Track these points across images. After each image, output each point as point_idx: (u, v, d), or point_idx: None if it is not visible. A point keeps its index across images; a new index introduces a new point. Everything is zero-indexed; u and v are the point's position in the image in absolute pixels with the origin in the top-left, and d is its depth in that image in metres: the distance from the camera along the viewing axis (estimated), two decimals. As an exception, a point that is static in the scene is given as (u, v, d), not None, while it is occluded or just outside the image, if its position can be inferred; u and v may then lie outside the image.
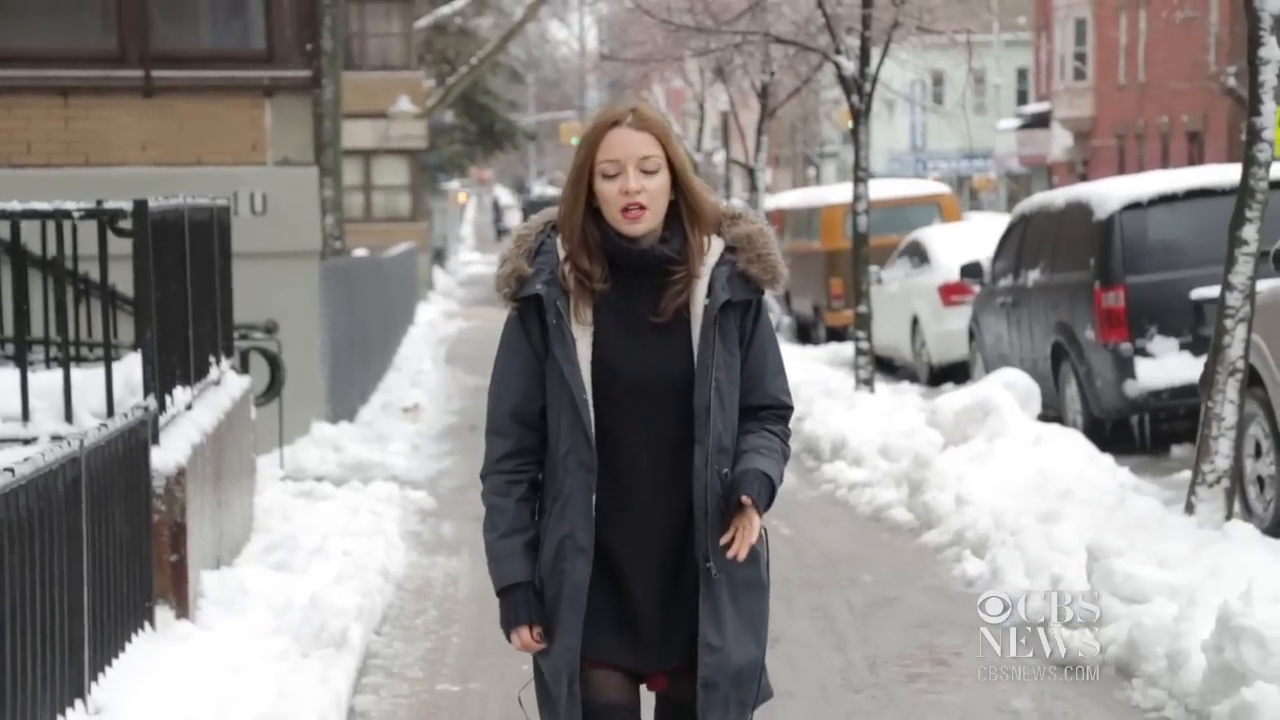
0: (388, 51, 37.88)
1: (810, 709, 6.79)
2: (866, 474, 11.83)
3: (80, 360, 8.75)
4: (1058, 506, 9.36)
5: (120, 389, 7.54)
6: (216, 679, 6.36)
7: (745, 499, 3.86)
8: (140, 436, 6.82)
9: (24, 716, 5.14)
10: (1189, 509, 8.79)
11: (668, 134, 3.93)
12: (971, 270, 15.93)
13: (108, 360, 7.53)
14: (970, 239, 18.97)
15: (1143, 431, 13.25)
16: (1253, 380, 9.54)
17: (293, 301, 12.75)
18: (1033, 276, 14.43)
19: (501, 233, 75.33)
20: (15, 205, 7.41)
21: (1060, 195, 15.02)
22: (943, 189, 27.00)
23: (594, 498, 3.89)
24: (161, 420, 7.39)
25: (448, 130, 42.91)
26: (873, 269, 17.84)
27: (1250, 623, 6.19)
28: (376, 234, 33.46)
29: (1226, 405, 8.71)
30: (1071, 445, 11.19)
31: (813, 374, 17.21)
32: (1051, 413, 13.35)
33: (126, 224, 7.34)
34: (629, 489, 3.91)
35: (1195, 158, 39.87)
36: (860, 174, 15.33)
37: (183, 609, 7.14)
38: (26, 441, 7.23)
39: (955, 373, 17.76)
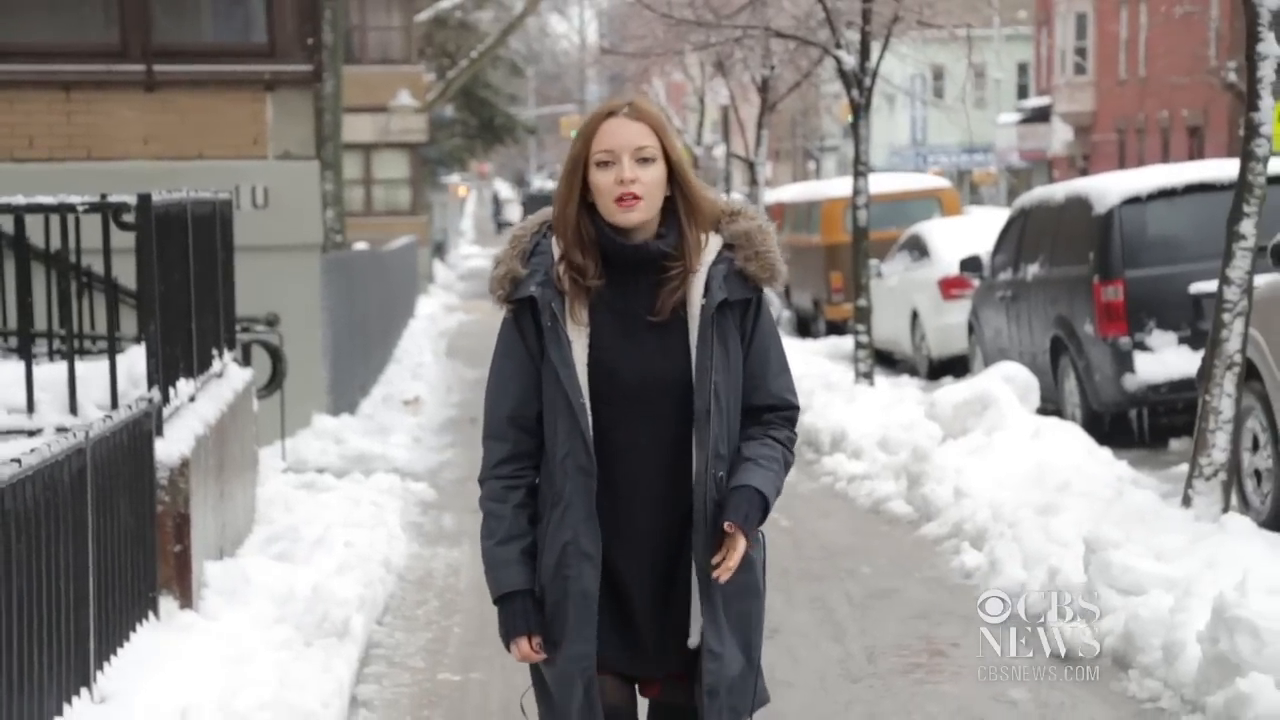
0: (388, 45, 37.91)
1: (809, 699, 6.84)
2: (866, 466, 11.88)
3: (84, 353, 8.81)
4: (1056, 499, 9.40)
5: (124, 381, 7.59)
6: (220, 668, 6.41)
7: (729, 527, 3.77)
8: (144, 428, 6.87)
9: (31, 704, 5.19)
10: (1186, 502, 8.84)
11: (664, 127, 3.86)
12: (971, 264, 15.97)
13: (111, 353, 7.58)
14: (970, 233, 19.00)
15: (1141, 425, 13.29)
16: (1250, 374, 9.58)
17: (294, 295, 12.82)
18: (1032, 271, 14.47)
19: (501, 226, 75.38)
20: (20, 199, 7.45)
21: (1059, 190, 15.06)
22: (943, 183, 27.06)
23: (594, 502, 3.80)
24: (165, 412, 7.43)
25: (448, 124, 42.94)
26: (873, 263, 17.89)
27: (1245, 614, 6.24)
28: (377, 227, 33.51)
29: (1224, 399, 8.76)
30: (1070, 438, 11.24)
31: (812, 367, 17.23)
32: (1050, 406, 13.40)
33: (130, 218, 7.38)
34: (627, 493, 3.83)
35: (1196, 152, 39.89)
36: (860, 168, 15.37)
37: (186, 599, 7.19)
38: (32, 433, 7.27)
39: (955, 366, 17.80)
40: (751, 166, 23.97)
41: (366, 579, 8.11)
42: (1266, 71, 8.55)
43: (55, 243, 7.91)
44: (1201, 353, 9.16)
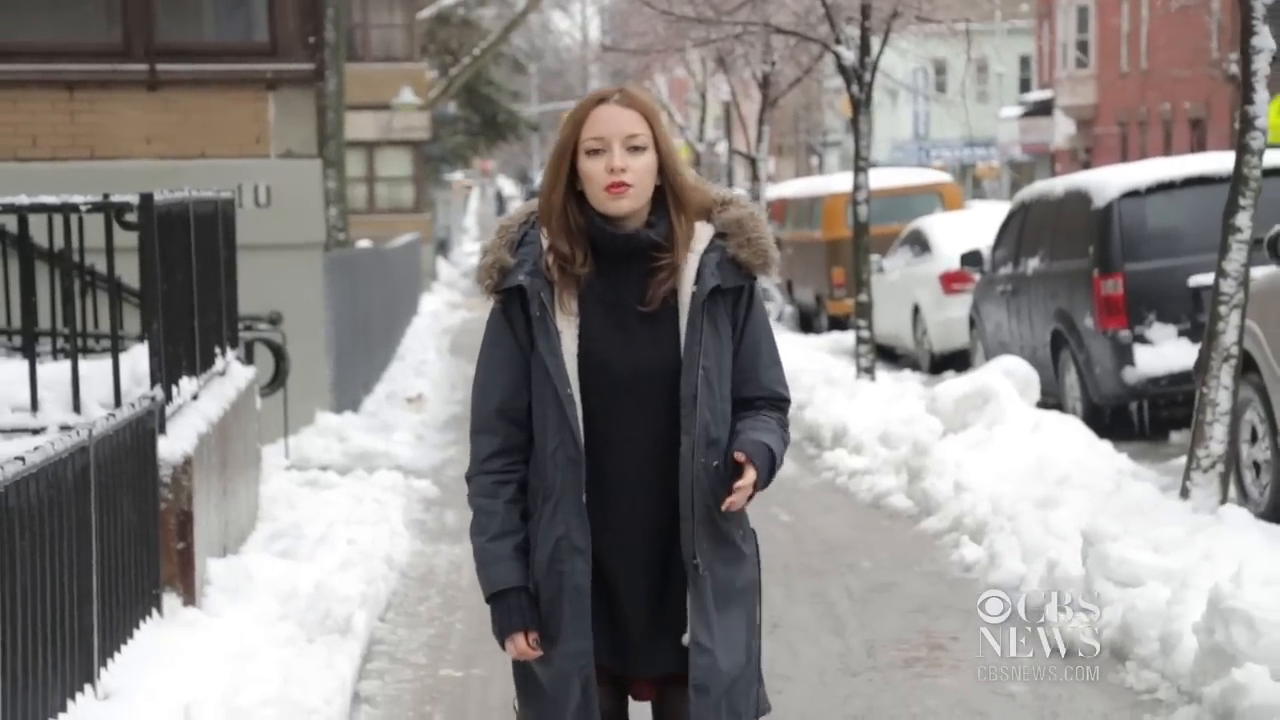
0: (390, 43, 37.97)
1: (808, 693, 6.89)
2: (866, 461, 11.92)
3: (87, 352, 8.86)
4: (1055, 492, 9.45)
5: (127, 380, 7.63)
6: (223, 664, 6.46)
7: (739, 455, 3.69)
8: (147, 426, 6.92)
9: (35, 701, 5.24)
10: (1184, 494, 8.88)
11: (655, 115, 3.79)
12: (971, 258, 16.01)
13: (115, 351, 7.62)
14: (971, 227, 19.02)
15: (1142, 418, 13.34)
16: (1248, 366, 9.62)
17: (297, 293, 12.86)
18: (1032, 264, 14.51)
19: (505, 223, 75.19)
20: (23, 199, 7.50)
21: (1059, 183, 15.10)
22: (944, 178, 27.09)
23: (585, 496, 3.74)
24: (168, 410, 7.48)
25: (450, 121, 42.98)
26: (874, 258, 17.93)
27: (1240, 605, 6.28)
28: (380, 225, 33.58)
29: (1221, 391, 8.80)
30: (1070, 432, 11.27)
31: (814, 362, 17.30)
32: (1051, 400, 13.44)
33: (133, 217, 7.43)
34: (617, 486, 3.76)
35: (1198, 145, 39.91)
36: (860, 163, 15.41)
37: (190, 596, 7.24)
38: (36, 431, 7.32)
39: (956, 361, 17.83)
40: (753, 162, 24.00)
41: (369, 576, 8.16)
42: (1261, 65, 8.58)
43: (59, 242, 7.96)
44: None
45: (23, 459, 5.09)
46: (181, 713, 5.73)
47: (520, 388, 3.80)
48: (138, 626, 6.63)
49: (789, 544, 9.65)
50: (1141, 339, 13.00)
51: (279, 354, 12.09)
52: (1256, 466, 9.92)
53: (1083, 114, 50.72)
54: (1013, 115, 56.70)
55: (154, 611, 6.89)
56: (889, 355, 20.07)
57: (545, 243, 3.78)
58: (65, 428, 6.94)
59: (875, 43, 15.33)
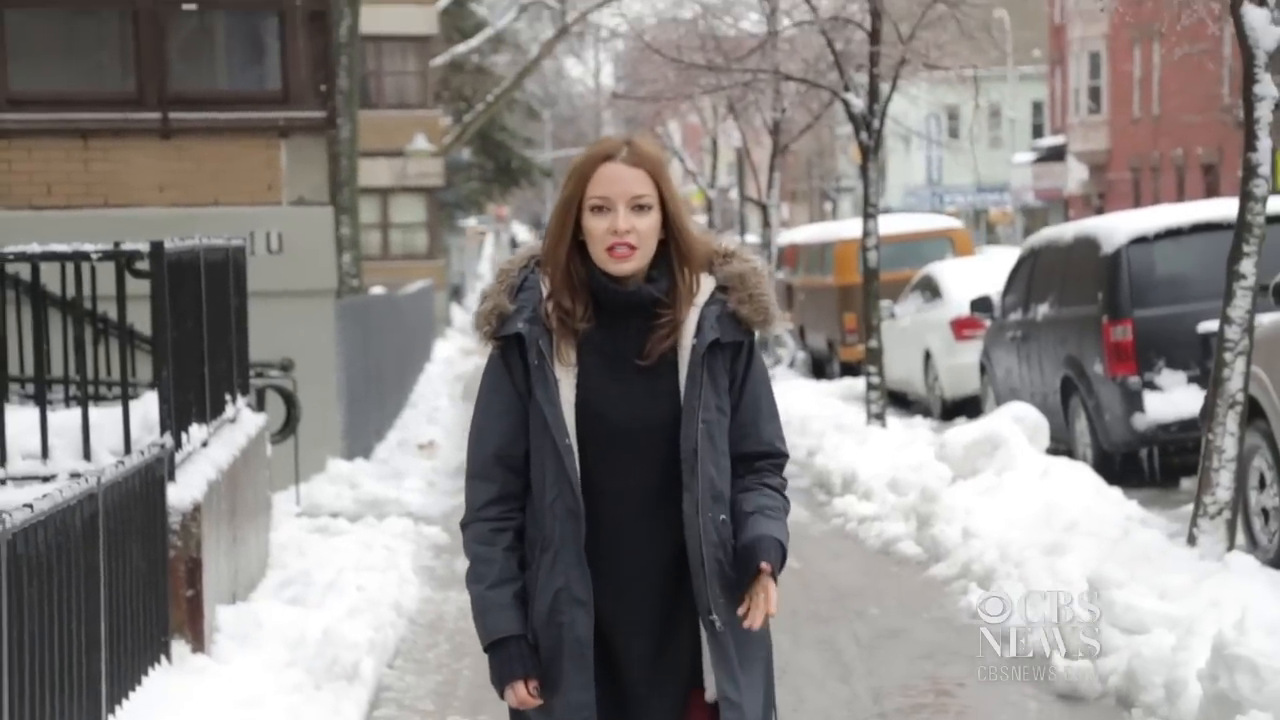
0: (404, 90, 38.19)
1: (814, 739, 6.91)
2: (876, 508, 11.94)
3: (99, 399, 8.91)
4: (1063, 539, 9.45)
5: (138, 427, 7.69)
6: (231, 711, 6.49)
7: (765, 565, 3.66)
8: (157, 473, 6.96)
9: (43, 747, 5.27)
10: (1191, 541, 8.89)
11: (663, 171, 3.74)
12: (981, 305, 16.05)
13: (125, 398, 7.68)
14: (982, 273, 19.06)
15: (1152, 464, 13.34)
16: (1256, 413, 9.65)
17: (309, 339, 12.91)
18: (1042, 311, 14.54)
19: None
20: (35, 247, 7.57)
21: (1068, 229, 15.14)
22: (955, 223, 27.14)
23: (583, 547, 3.70)
24: (178, 457, 7.53)
25: (464, 168, 43.17)
26: (885, 304, 17.98)
27: (1244, 652, 6.29)
28: (394, 271, 33.72)
29: (1227, 438, 8.81)
30: (1079, 478, 11.28)
31: (825, 408, 17.34)
32: (1062, 446, 13.45)
33: (144, 265, 7.50)
34: (614, 538, 3.72)
35: (1210, 190, 39.96)
36: (870, 210, 15.48)
37: (198, 643, 7.27)
38: (46, 479, 7.37)
39: (968, 407, 17.84)
40: (764, 209, 24.09)
41: (377, 623, 8.19)
42: (1264, 112, 8.64)
43: (72, 290, 8.03)
44: (1210, 391, 9.22)
45: (31, 506, 5.13)
46: (188, 759, 5.76)
47: (518, 434, 3.76)
48: (146, 673, 6.66)
49: (797, 590, 9.67)
50: (1151, 385, 13.01)
51: (290, 401, 12.14)
52: (1265, 513, 9.92)
53: (1095, 159, 50.83)
54: (1025, 161, 56.82)
55: (163, 658, 6.92)
56: (901, 401, 20.10)
57: (545, 289, 3.75)
58: (75, 475, 6.97)
59: (884, 90, 15.41)
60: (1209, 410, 8.92)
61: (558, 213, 3.75)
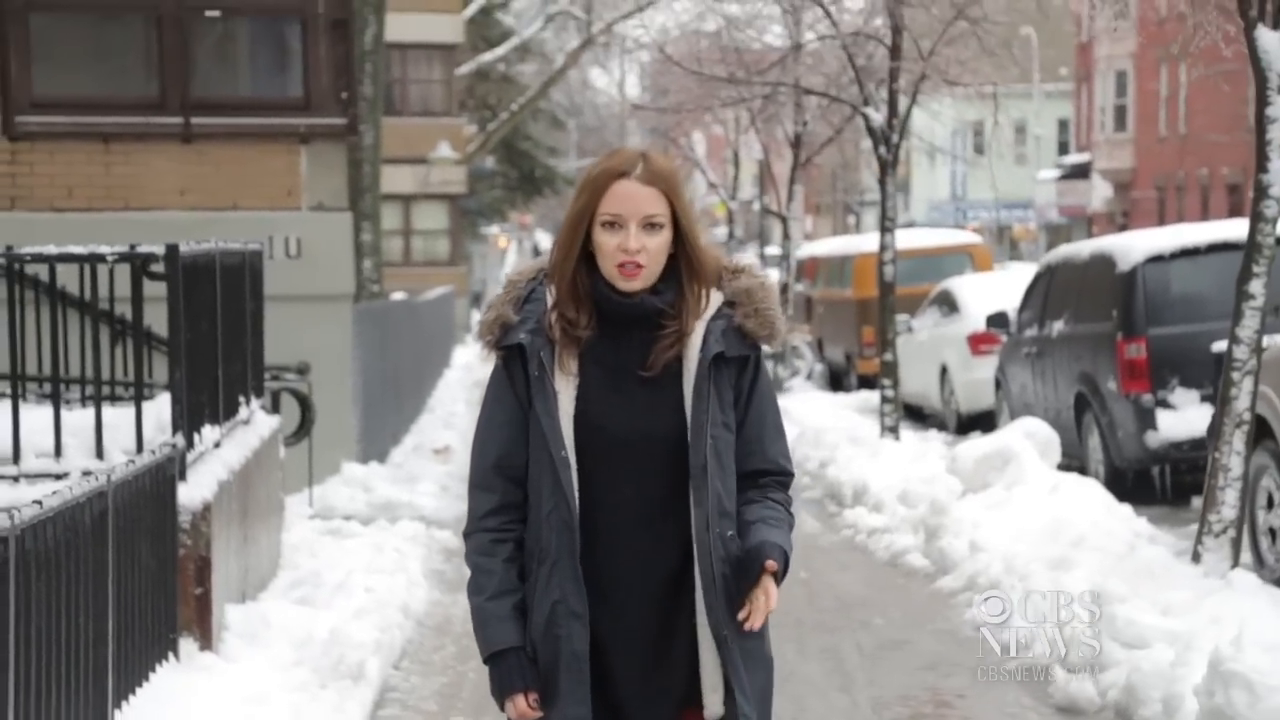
0: (429, 98, 38.33)
1: (813, 747, 6.96)
2: (885, 520, 11.99)
3: (115, 399, 9.00)
4: (1069, 553, 9.50)
5: (152, 427, 7.77)
6: (236, 708, 6.58)
7: (770, 564, 3.64)
8: (168, 473, 7.05)
9: (48, 740, 5.35)
10: (1196, 558, 8.93)
11: (676, 188, 3.72)
12: (998, 320, 16.09)
13: (138, 399, 7.76)
14: (1000, 289, 19.11)
15: (1163, 482, 13.37)
16: (1265, 433, 9.68)
17: (326, 344, 13.01)
18: (1057, 327, 14.59)
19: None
20: (52, 249, 7.66)
21: (1085, 247, 15.19)
22: (974, 239, 27.19)
23: (580, 559, 3.67)
24: (189, 457, 7.61)
25: (488, 176, 43.30)
26: (903, 318, 18.03)
27: (1240, 668, 6.34)
28: (415, 278, 33.83)
29: (1233, 456, 8.86)
30: (1089, 494, 11.31)
31: (840, 421, 17.39)
32: (1074, 463, 13.48)
33: (159, 268, 7.59)
34: (611, 552, 3.70)
35: (1235, 210, 39.91)
36: (887, 224, 15.54)
37: (206, 641, 7.35)
38: (58, 477, 7.45)
39: (983, 421, 17.86)
40: (784, 221, 24.16)
41: (384, 624, 8.26)
42: (1275, 134, 8.69)
43: (90, 291, 8.12)
44: (1221, 410, 9.26)
45: (40, 503, 5.21)
46: (191, 754, 5.84)
47: (519, 444, 3.74)
48: (154, 669, 6.74)
49: (804, 600, 9.73)
50: (1164, 403, 13.04)
51: (305, 404, 12.23)
52: (1272, 532, 9.95)
53: (1120, 178, 50.80)
54: (1050, 178, 56.81)
55: (171, 655, 7.01)
56: (917, 415, 20.14)
57: (550, 300, 3.74)
58: (86, 473, 7.07)
59: (904, 105, 15.47)
60: (1216, 429, 8.97)
61: (568, 225, 3.73)
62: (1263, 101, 8.78)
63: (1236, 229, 13.72)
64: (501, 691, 3.73)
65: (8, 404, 7.81)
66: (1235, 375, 8.82)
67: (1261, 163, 8.77)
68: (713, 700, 3.71)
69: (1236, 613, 7.56)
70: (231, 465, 8.18)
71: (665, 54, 17.74)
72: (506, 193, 46.35)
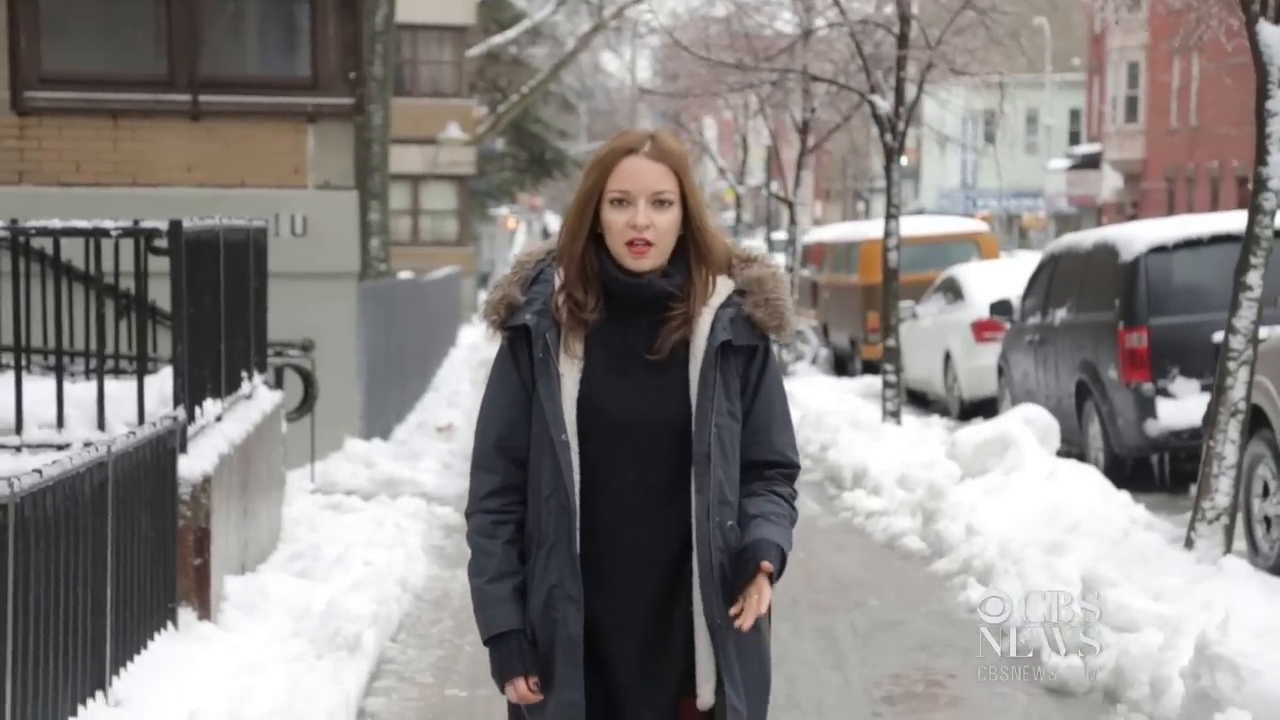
0: (439, 79, 38.36)
1: (803, 725, 7.04)
2: (884, 503, 12.06)
3: (119, 373, 9.09)
4: (1064, 539, 9.57)
5: (154, 400, 7.85)
6: (233, 677, 6.66)
7: (766, 564, 3.61)
8: (168, 445, 7.13)
9: (47, 705, 5.43)
10: (1188, 544, 9.00)
11: (685, 167, 3.69)
12: (1001, 308, 16.15)
13: (140, 372, 7.84)
14: (1005, 277, 19.15)
15: (1162, 470, 13.43)
16: (1261, 422, 9.74)
17: (330, 321, 13.08)
18: (1059, 315, 14.64)
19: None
20: (56, 223, 7.73)
21: (1088, 237, 15.23)
22: (981, 227, 27.27)
23: (578, 544, 3.66)
24: (190, 430, 7.69)
25: (497, 157, 43.34)
26: (907, 304, 18.07)
27: (1225, 651, 6.40)
28: (423, 257, 33.90)
29: (1228, 445, 8.93)
30: (1086, 480, 11.38)
31: (843, 405, 17.45)
32: (1075, 450, 13.55)
33: (163, 243, 7.66)
34: (612, 537, 3.67)
35: (1244, 203, 39.88)
36: (892, 210, 15.59)
37: (205, 611, 7.44)
38: (60, 447, 7.53)
39: (986, 408, 17.92)
40: (791, 206, 24.22)
41: (381, 597, 8.34)
42: (1275, 128, 8.74)
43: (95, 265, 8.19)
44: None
45: (40, 471, 5.28)
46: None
47: (522, 426, 3.71)
48: (152, 638, 6.83)
49: (800, 581, 9.80)
50: (1164, 392, 13.10)
51: (308, 380, 12.30)
52: (1268, 520, 10.00)
53: (1130, 168, 50.79)
54: (1061, 167, 56.81)
55: (169, 624, 7.09)
56: (920, 401, 20.20)
57: (558, 282, 3.71)
58: (88, 444, 7.15)
59: (911, 93, 15.51)
60: (1211, 417, 9.04)
61: (577, 204, 3.71)
62: (1263, 95, 8.82)
63: (1239, 221, 13.73)
64: (502, 675, 3.73)
65: (11, 375, 7.89)
66: (1231, 365, 8.89)
67: (1261, 156, 8.82)
68: (704, 690, 3.70)
69: (1226, 598, 7.63)
70: (232, 439, 8.26)
71: (675, 39, 17.75)
72: (516, 174, 46.39)
